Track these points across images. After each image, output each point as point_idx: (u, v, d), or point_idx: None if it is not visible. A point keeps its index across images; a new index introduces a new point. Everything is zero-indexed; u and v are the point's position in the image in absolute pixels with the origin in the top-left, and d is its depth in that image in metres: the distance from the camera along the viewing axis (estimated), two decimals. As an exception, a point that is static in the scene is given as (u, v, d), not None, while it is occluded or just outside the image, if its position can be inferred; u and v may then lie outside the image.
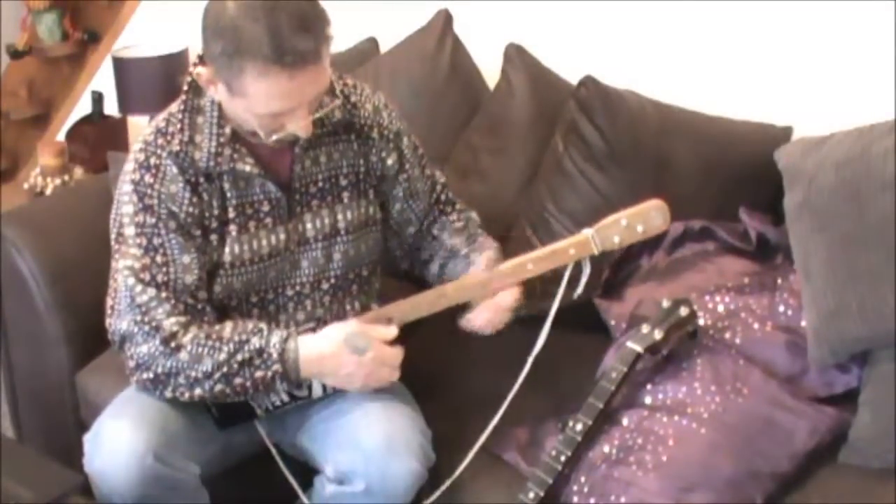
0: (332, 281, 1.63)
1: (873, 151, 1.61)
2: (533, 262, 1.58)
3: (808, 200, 1.65)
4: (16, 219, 2.01)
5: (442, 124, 2.15)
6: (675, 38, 2.14)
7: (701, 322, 1.66)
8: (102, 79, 3.18)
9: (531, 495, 1.48)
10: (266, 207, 1.56)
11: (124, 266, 1.51)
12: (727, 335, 1.67)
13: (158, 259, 1.50)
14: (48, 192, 2.89)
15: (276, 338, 1.49)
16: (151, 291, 1.49)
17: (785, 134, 1.95)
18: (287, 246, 1.59)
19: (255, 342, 1.49)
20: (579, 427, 1.52)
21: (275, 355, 1.48)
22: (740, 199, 1.86)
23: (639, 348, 1.57)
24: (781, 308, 1.69)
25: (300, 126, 1.45)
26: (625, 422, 1.57)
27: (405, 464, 1.50)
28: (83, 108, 3.26)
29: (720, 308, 1.71)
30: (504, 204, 2.03)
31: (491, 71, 2.22)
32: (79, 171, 2.97)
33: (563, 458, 1.50)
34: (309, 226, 1.59)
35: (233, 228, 1.54)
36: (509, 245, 2.00)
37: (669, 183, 1.89)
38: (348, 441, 1.53)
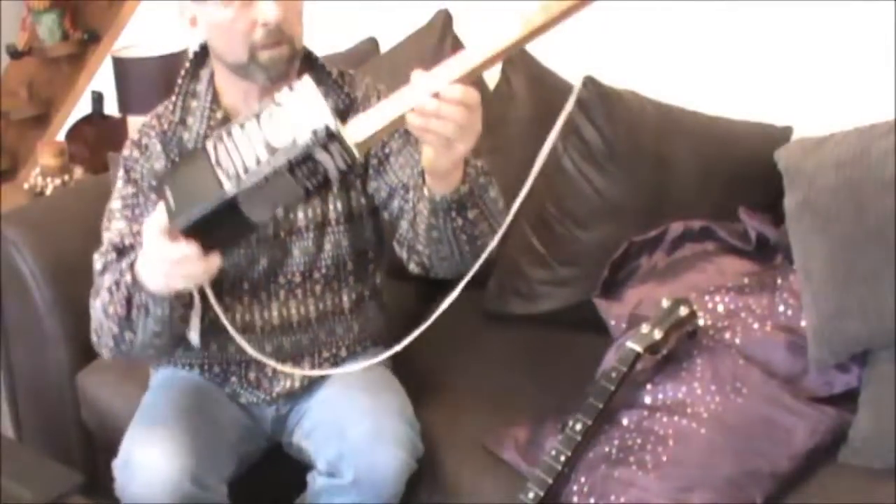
0: (324, 271, 1.62)
1: (873, 151, 1.61)
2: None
3: (808, 201, 1.65)
4: (16, 219, 2.02)
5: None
6: (674, 38, 2.14)
7: (701, 322, 1.66)
8: (102, 79, 3.18)
9: (531, 495, 1.47)
10: None
11: (108, 239, 1.54)
12: (727, 335, 1.67)
13: (134, 227, 1.52)
14: (48, 192, 2.89)
15: (133, 255, 1.45)
16: (112, 255, 1.52)
17: (785, 134, 1.95)
18: (276, 232, 1.58)
19: (122, 264, 1.46)
20: (579, 427, 1.52)
21: (124, 265, 1.44)
22: (740, 199, 1.86)
23: (638, 348, 1.57)
24: (781, 308, 1.69)
25: (268, 9, 1.44)
26: (625, 422, 1.57)
27: (392, 453, 1.50)
28: (83, 108, 3.26)
29: (720, 308, 1.71)
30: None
31: (491, 71, 2.22)
32: (79, 171, 2.97)
33: (562, 458, 1.49)
34: (301, 214, 1.58)
35: None
36: (509, 245, 2.01)
37: (669, 183, 1.89)
38: (336, 433, 1.53)
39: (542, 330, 1.94)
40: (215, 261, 1.29)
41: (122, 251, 1.52)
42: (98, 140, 3.09)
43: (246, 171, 1.19)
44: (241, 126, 1.23)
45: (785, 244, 1.73)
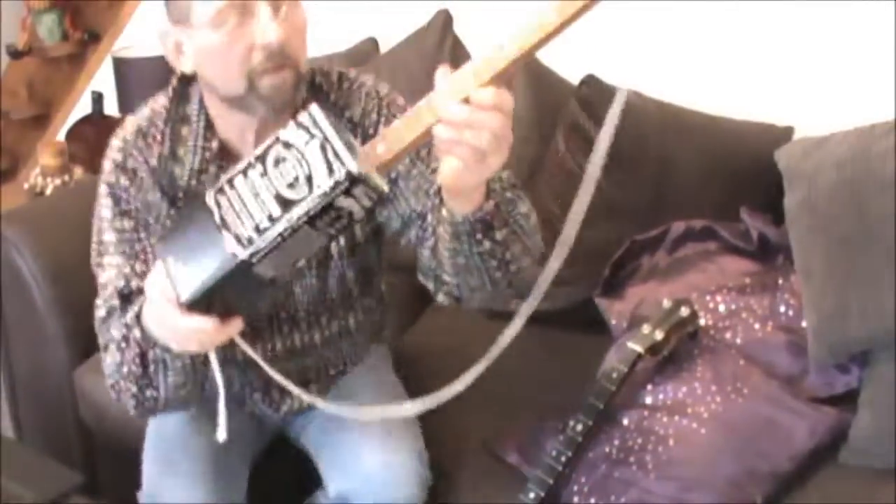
0: (328, 304, 1.52)
1: (873, 151, 1.61)
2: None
3: (809, 200, 1.65)
4: (16, 219, 2.01)
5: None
6: (677, 37, 2.14)
7: (702, 322, 1.66)
8: (102, 79, 3.18)
9: (531, 495, 1.47)
10: None
11: (107, 280, 1.38)
12: (728, 335, 1.67)
13: (138, 267, 1.37)
14: (48, 192, 2.88)
15: (138, 303, 1.29)
16: (115, 302, 1.36)
17: (786, 134, 1.95)
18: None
19: (128, 318, 1.31)
20: (579, 427, 1.52)
21: (129, 318, 1.29)
22: (742, 198, 1.86)
23: (639, 349, 1.57)
24: (782, 308, 1.69)
25: (269, 29, 1.24)
26: (625, 422, 1.57)
27: (404, 492, 1.48)
28: (83, 108, 3.26)
29: (721, 308, 1.71)
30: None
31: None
32: (79, 171, 2.97)
33: (563, 459, 1.49)
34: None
35: None
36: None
37: (671, 182, 1.89)
38: (348, 462, 1.51)
39: (543, 329, 1.93)
40: (236, 326, 1.16)
41: (126, 296, 1.35)
42: (98, 140, 3.06)
43: (258, 230, 1.03)
44: (244, 174, 1.06)
45: (786, 244, 1.73)
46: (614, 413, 1.58)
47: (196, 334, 1.16)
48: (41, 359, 2.00)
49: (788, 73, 2.03)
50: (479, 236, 1.20)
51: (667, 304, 1.62)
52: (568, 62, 2.12)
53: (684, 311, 1.60)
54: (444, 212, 1.19)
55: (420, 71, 2.18)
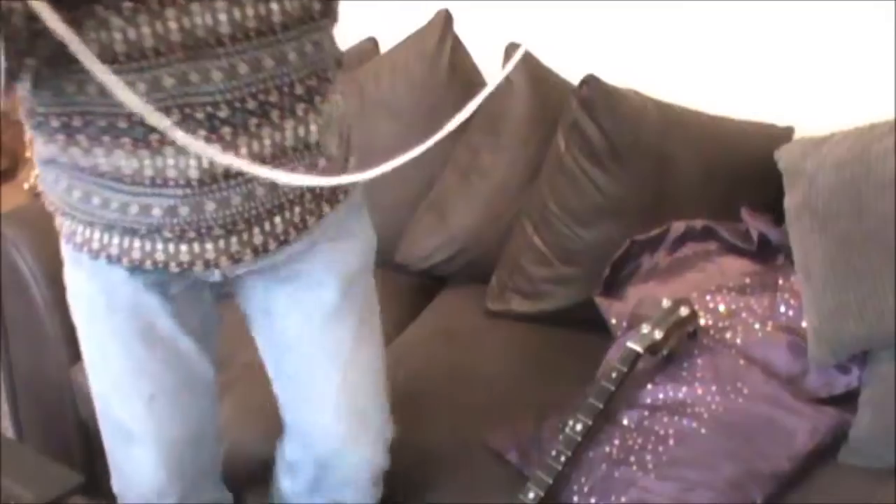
0: (262, 98, 1.10)
1: (873, 151, 1.61)
2: None
3: (808, 200, 1.65)
4: (16, 219, 2.01)
5: (442, 124, 2.15)
6: (676, 37, 2.14)
7: (702, 322, 1.66)
8: (102, 78, 3.17)
9: (531, 495, 1.47)
10: None
11: None
12: (728, 335, 1.67)
13: None
14: (48, 191, 2.88)
15: None
16: None
17: (786, 134, 1.95)
18: (185, 42, 1.03)
19: None
20: (579, 427, 1.52)
21: None
22: (741, 198, 1.86)
23: (639, 348, 1.57)
24: (782, 308, 1.69)
25: None
26: (625, 422, 1.57)
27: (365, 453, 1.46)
28: (83, 107, 3.25)
29: (721, 308, 1.71)
30: (505, 203, 2.04)
31: (491, 71, 2.22)
32: (79, 171, 2.97)
33: (563, 458, 1.49)
34: (222, 17, 1.05)
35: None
36: (511, 244, 2.01)
37: (671, 182, 1.89)
38: (301, 429, 1.46)
39: (543, 328, 1.94)
40: None
41: None
42: (98, 140, 3.08)
43: None
44: None
45: (786, 244, 1.73)
46: (614, 413, 1.58)
47: None
48: (41, 358, 2.00)
49: (788, 73, 2.03)
50: None
51: (666, 303, 1.62)
52: (568, 62, 2.12)
53: (684, 311, 1.60)
54: None
55: (420, 71, 2.18)
